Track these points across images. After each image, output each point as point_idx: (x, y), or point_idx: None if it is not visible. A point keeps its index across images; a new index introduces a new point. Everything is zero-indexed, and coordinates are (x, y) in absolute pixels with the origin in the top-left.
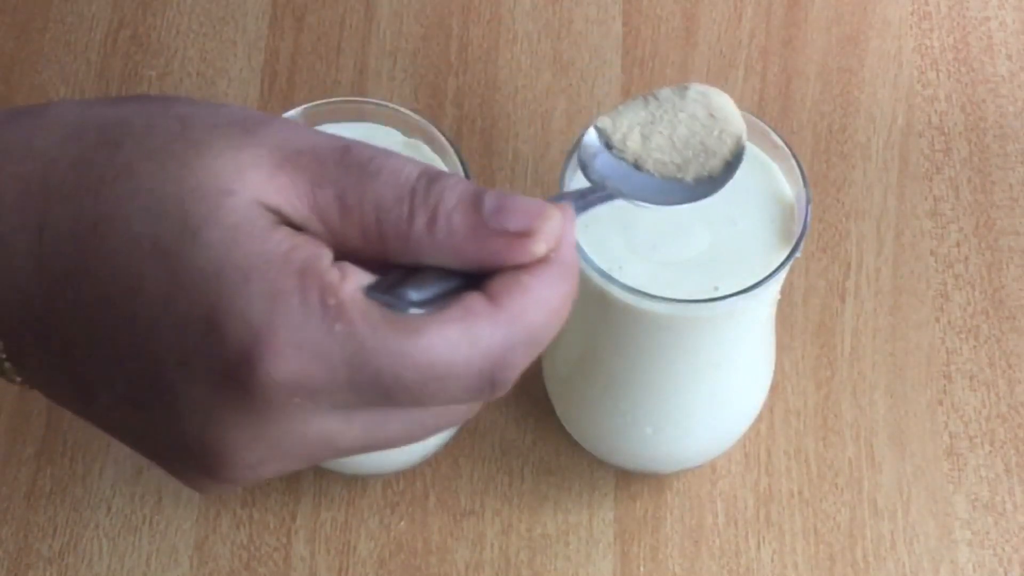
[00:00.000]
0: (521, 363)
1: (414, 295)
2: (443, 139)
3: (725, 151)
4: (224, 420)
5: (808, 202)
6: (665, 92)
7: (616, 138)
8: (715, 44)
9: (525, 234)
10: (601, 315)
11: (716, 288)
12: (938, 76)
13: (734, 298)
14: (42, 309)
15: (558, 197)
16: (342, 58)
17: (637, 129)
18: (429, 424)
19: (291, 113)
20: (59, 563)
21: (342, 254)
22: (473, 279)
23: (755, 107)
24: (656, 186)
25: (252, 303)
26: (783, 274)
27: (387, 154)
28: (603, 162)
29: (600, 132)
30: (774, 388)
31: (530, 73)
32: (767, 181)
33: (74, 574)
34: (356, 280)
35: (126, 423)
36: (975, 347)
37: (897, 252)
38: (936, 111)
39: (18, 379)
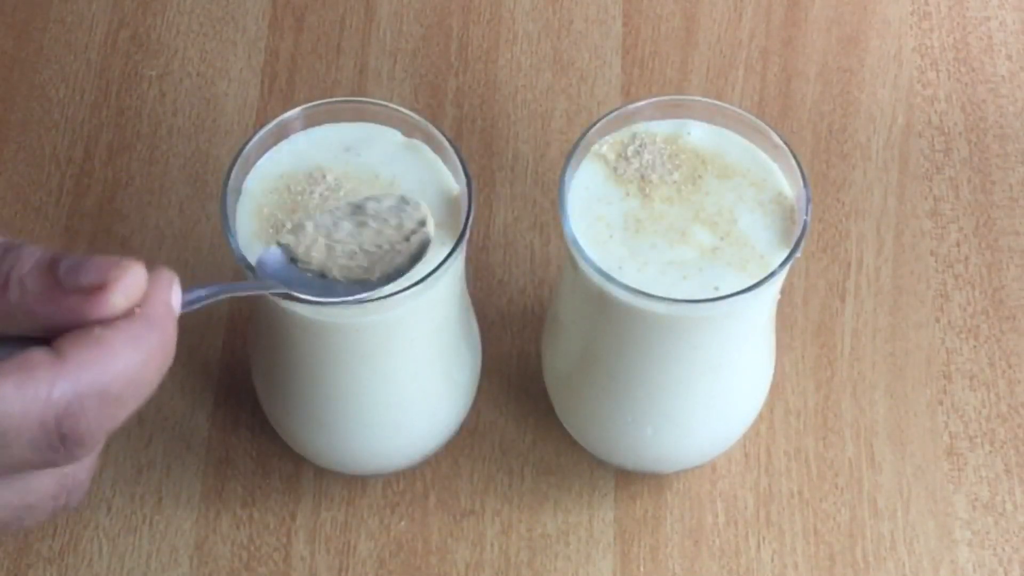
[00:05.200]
0: (95, 416)
1: None
2: (443, 139)
3: (412, 248)
4: None
5: (808, 202)
6: (358, 203)
7: (300, 252)
8: (715, 44)
9: (99, 287)
10: (601, 315)
11: (716, 288)
12: (938, 76)
13: (734, 298)
14: None
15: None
16: (342, 58)
17: (321, 241)
18: (14, 503)
19: (291, 113)
20: (59, 563)
21: None
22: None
23: (755, 107)
24: (335, 288)
25: None
26: (783, 274)
27: None
28: (285, 274)
29: (284, 248)
30: (774, 388)
31: (530, 73)
32: (767, 181)
33: (74, 574)
34: None
35: None
36: (975, 347)
37: (897, 252)
38: (936, 111)
39: None
